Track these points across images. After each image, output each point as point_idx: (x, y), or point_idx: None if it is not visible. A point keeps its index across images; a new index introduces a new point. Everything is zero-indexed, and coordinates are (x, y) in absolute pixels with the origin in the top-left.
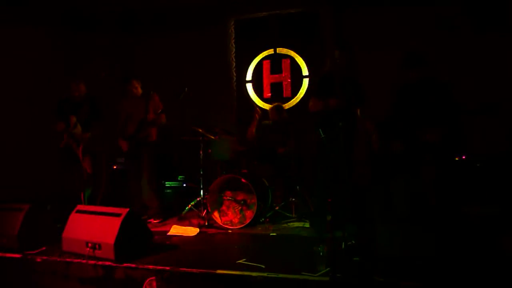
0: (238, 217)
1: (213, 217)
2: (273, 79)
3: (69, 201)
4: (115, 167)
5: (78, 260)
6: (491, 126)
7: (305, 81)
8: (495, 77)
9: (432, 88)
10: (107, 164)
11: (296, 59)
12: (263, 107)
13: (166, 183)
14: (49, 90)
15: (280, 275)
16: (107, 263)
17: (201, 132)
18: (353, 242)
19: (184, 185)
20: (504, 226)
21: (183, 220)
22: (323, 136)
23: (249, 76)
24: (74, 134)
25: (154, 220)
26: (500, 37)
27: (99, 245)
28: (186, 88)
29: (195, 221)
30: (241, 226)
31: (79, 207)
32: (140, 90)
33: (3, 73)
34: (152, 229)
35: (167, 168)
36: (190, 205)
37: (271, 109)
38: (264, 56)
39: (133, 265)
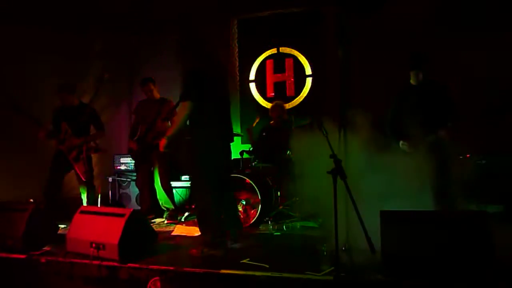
0: (242, 216)
1: None
2: (276, 78)
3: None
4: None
5: (82, 261)
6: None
7: (308, 80)
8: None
9: (433, 90)
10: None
11: (299, 58)
12: (267, 107)
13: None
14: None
15: (284, 275)
16: (111, 263)
17: None
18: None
19: (188, 185)
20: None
21: (187, 220)
22: (325, 133)
23: (252, 76)
24: (65, 141)
25: (168, 221)
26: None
27: (103, 246)
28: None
29: None
30: (245, 225)
31: (83, 207)
32: (156, 94)
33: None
34: (156, 229)
35: (171, 168)
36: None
37: (271, 107)
38: (267, 55)
39: (137, 265)
